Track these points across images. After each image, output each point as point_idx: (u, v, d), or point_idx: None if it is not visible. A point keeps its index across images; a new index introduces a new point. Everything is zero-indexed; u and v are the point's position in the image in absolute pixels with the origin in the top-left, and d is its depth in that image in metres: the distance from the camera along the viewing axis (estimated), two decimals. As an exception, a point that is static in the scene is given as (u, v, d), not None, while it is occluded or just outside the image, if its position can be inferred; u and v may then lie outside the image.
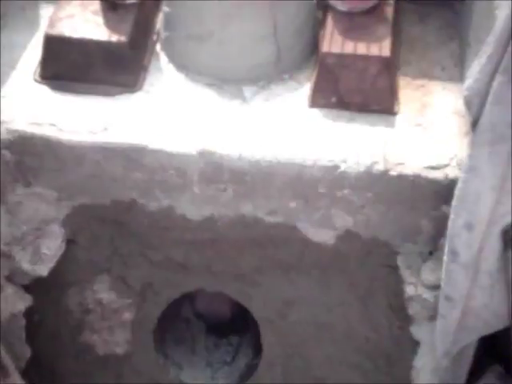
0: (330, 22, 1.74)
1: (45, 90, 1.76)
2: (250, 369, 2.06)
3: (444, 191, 1.56)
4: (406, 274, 1.71)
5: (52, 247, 1.78)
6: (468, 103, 1.45)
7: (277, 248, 1.78)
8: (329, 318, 1.87)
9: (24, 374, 1.76)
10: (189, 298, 2.20)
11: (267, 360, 1.97)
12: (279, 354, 1.95)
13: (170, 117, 1.71)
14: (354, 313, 1.85)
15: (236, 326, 2.26)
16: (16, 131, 1.68)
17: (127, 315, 1.92)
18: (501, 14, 1.34)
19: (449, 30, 1.88)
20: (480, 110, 1.40)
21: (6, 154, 1.70)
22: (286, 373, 1.98)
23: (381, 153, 1.61)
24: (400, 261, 1.72)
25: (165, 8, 1.83)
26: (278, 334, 1.93)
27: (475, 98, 1.42)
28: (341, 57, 1.67)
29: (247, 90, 1.76)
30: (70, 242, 1.82)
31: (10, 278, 1.78)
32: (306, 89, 1.75)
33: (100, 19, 1.76)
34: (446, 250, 1.48)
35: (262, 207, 1.71)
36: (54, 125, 1.68)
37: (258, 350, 2.03)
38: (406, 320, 1.79)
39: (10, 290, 1.77)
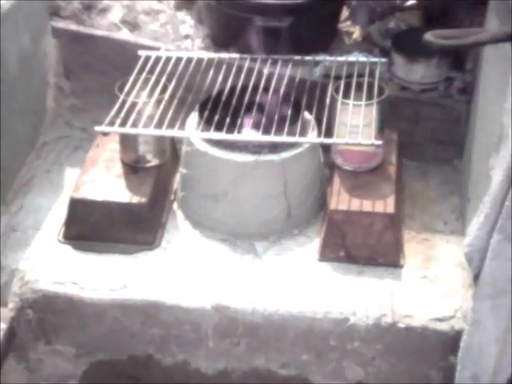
0: (336, 180, 1.85)
1: (68, 249, 1.85)
2: None
3: (451, 342, 1.60)
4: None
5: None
6: (469, 259, 1.52)
7: (290, 402, 1.80)
8: None
9: None
10: None
11: None
12: None
13: (186, 272, 1.79)
14: None
15: None
16: (40, 291, 1.76)
17: None
18: (495, 177, 1.43)
19: (449, 185, 1.99)
20: (481, 266, 1.47)
21: (30, 312, 1.77)
22: None
23: (389, 305, 1.67)
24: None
25: (182, 170, 1.95)
26: None
27: (475, 254, 1.49)
28: (348, 213, 1.77)
29: (259, 245, 1.85)
30: (86, 400, 1.85)
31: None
32: (315, 243, 1.84)
33: (122, 182, 1.89)
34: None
35: (275, 360, 1.75)
36: (75, 283, 1.76)
37: None
38: None
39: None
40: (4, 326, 1.60)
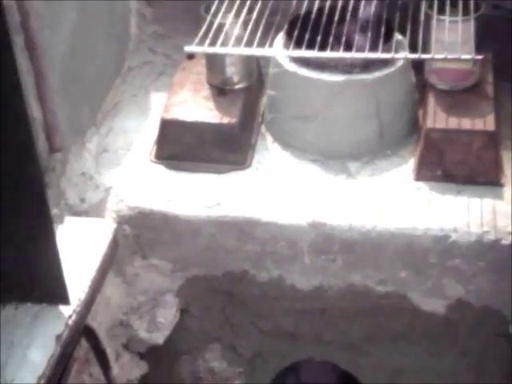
0: (431, 99, 1.83)
1: (160, 169, 1.88)
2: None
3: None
4: (521, 344, 1.72)
5: (167, 316, 1.85)
6: None
7: (387, 317, 1.82)
8: (440, 386, 1.88)
9: None
10: (293, 368, 2.22)
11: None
12: (389, 424, 1.95)
13: (279, 191, 1.80)
14: (466, 381, 1.85)
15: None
16: (136, 207, 1.79)
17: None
18: None
19: (547, 104, 1.95)
20: None
21: (126, 228, 1.80)
22: None
23: (491, 222, 1.66)
24: (513, 329, 1.73)
25: (269, 92, 1.95)
26: (388, 403, 1.93)
27: None
28: (446, 132, 1.75)
29: (352, 166, 1.84)
30: (183, 312, 1.89)
31: (126, 346, 1.85)
32: (409, 164, 1.83)
33: (211, 104, 1.89)
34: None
35: (372, 277, 1.76)
36: (170, 200, 1.79)
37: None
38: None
39: (126, 357, 1.84)
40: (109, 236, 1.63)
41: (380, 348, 1.86)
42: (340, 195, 1.78)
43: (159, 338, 1.85)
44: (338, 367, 1.97)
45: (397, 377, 1.90)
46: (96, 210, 1.81)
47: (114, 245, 1.64)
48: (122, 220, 1.80)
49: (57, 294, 1.39)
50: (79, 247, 1.58)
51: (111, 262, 1.63)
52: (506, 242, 1.63)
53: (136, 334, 1.84)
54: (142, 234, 1.82)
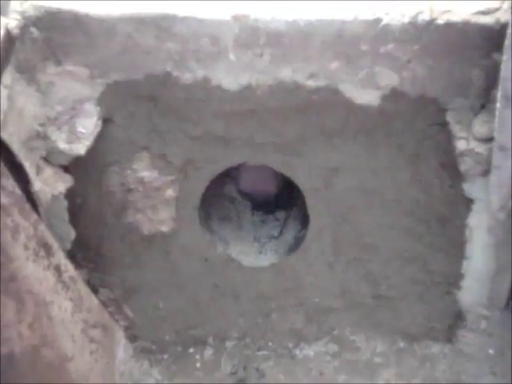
0: None
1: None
2: (298, 240, 2.02)
3: (495, 37, 1.47)
4: (456, 129, 1.64)
5: (88, 126, 1.73)
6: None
7: (319, 114, 1.71)
8: (377, 182, 1.81)
9: (70, 255, 1.75)
10: (232, 177, 2.16)
11: (315, 230, 1.92)
12: (327, 223, 1.90)
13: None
14: (403, 175, 1.79)
15: (282, 202, 2.22)
16: (42, 7, 1.62)
17: (170, 192, 1.88)
18: None
19: None
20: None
21: (34, 31, 1.64)
22: (335, 241, 1.93)
23: (426, 1, 1.51)
24: (450, 116, 1.64)
25: None
26: (324, 202, 1.87)
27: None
28: None
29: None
30: (106, 121, 1.77)
31: (47, 160, 1.74)
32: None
33: None
34: (499, 95, 1.40)
35: (302, 71, 1.63)
36: (79, -2, 1.62)
37: (305, 223, 1.98)
38: (458, 178, 1.72)
39: (49, 171, 1.74)
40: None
41: (314, 147, 1.77)
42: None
43: (80, 148, 1.73)
44: (276, 173, 1.90)
45: (332, 176, 1.83)
46: (-1, 13, 1.63)
47: (9, 40, 1.48)
48: (29, 22, 1.63)
49: None
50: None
51: (7, 60, 1.49)
52: (440, 21, 1.50)
53: (55, 145, 1.72)
54: (52, 37, 1.66)
